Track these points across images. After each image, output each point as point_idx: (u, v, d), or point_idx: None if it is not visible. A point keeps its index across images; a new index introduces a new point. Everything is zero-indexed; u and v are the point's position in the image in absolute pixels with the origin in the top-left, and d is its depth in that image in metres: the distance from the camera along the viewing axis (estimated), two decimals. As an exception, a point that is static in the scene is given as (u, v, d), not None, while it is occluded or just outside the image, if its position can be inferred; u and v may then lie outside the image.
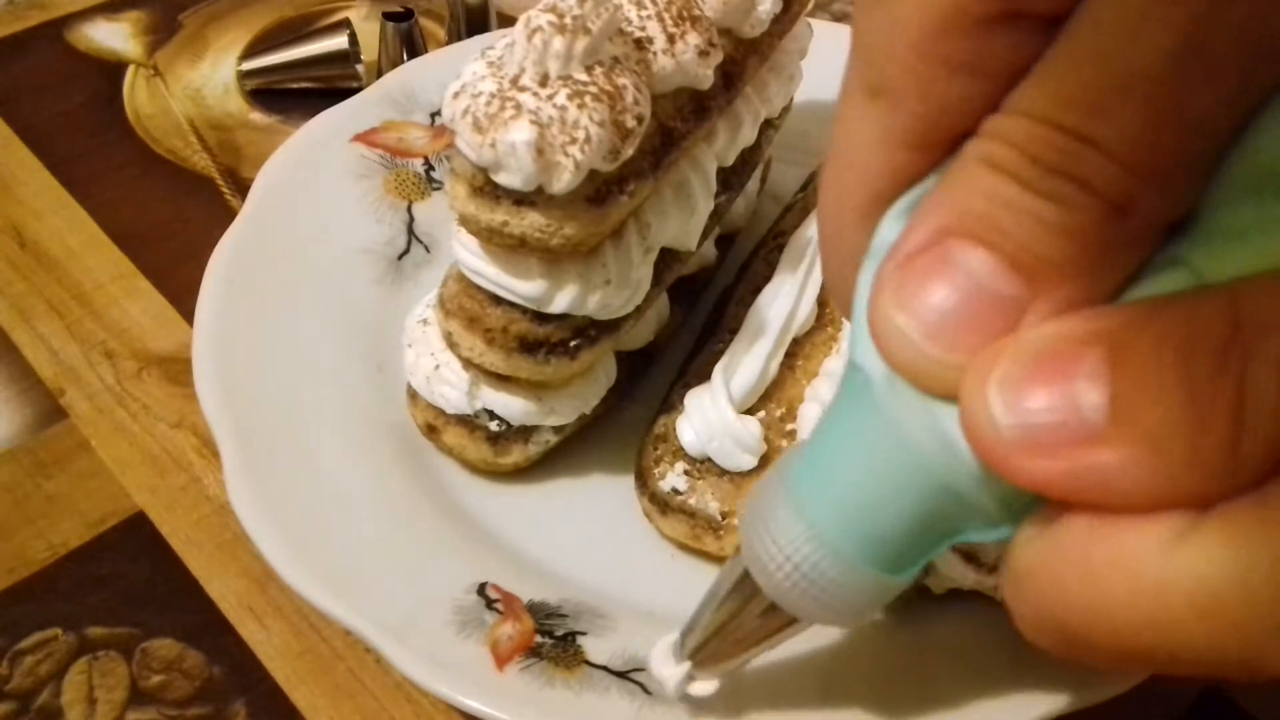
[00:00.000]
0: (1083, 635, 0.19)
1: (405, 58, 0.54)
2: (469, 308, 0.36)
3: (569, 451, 0.40)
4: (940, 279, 0.19)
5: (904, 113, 0.20)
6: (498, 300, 0.35)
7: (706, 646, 0.29)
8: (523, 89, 0.31)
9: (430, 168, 0.48)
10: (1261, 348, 0.17)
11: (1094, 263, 0.19)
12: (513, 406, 0.37)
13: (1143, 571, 0.18)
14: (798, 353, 0.39)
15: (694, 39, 0.35)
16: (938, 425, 0.20)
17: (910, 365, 0.20)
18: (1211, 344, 0.17)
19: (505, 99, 0.31)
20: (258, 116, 0.55)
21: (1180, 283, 0.19)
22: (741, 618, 0.28)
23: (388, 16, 0.54)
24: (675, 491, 0.37)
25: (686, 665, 0.30)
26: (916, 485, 0.21)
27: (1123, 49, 0.17)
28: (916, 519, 0.22)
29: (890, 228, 0.22)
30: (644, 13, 0.34)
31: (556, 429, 0.39)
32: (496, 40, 0.33)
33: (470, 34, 0.56)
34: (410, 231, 0.46)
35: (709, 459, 0.37)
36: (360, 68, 0.55)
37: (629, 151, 0.32)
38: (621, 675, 0.33)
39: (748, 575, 0.26)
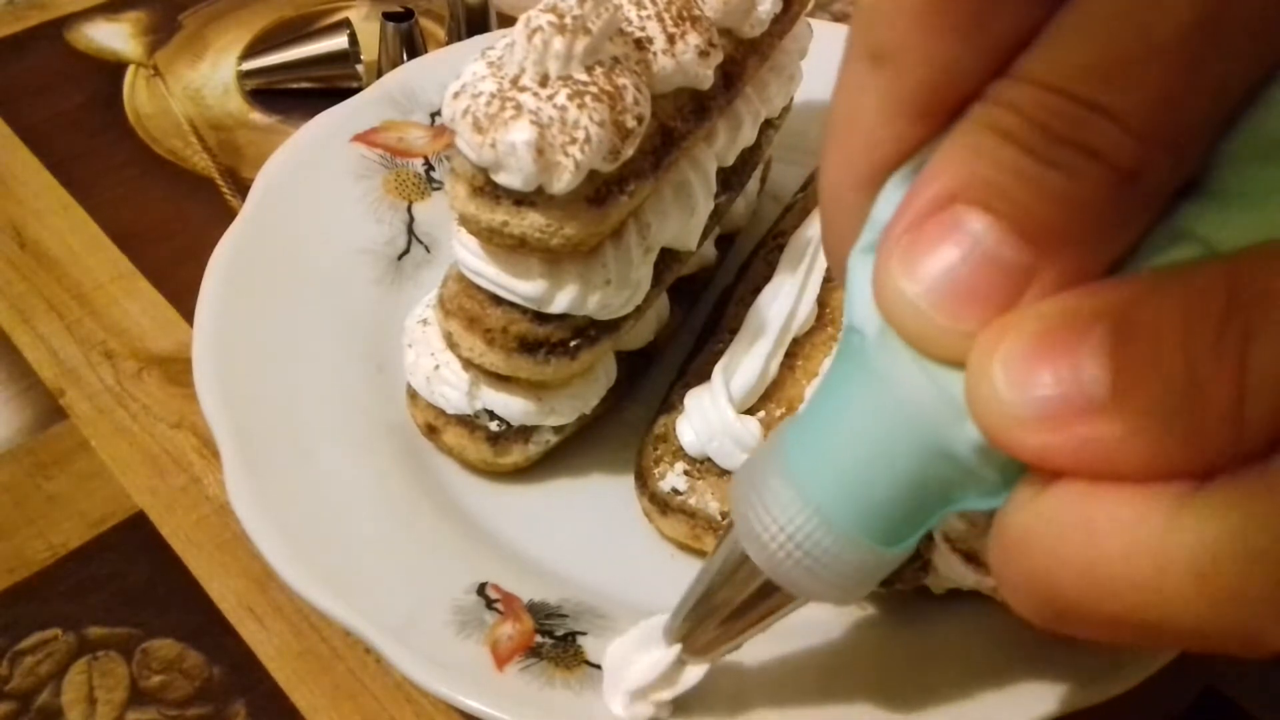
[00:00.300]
0: (1074, 599, 0.19)
1: (405, 58, 0.54)
2: (469, 308, 0.36)
3: (569, 451, 0.40)
4: (947, 245, 0.19)
5: (907, 78, 0.20)
6: (498, 300, 0.35)
7: (698, 628, 0.29)
8: (523, 89, 0.31)
9: (430, 168, 0.48)
10: (1262, 317, 0.17)
11: (1101, 230, 0.19)
12: (513, 406, 0.37)
13: (1143, 533, 0.18)
14: (798, 353, 0.39)
15: (694, 39, 0.35)
16: (942, 389, 0.20)
17: (916, 332, 0.20)
18: (1211, 314, 0.17)
19: (505, 99, 0.31)
20: (258, 116, 0.55)
21: (1190, 254, 0.19)
22: (734, 596, 0.27)
23: (388, 16, 0.54)
24: (675, 491, 0.37)
25: (676, 649, 0.30)
26: (912, 448, 0.21)
27: (1139, 20, 0.17)
28: (911, 484, 0.22)
29: (891, 196, 0.21)
30: (644, 13, 0.34)
31: (556, 429, 0.39)
32: (496, 40, 0.33)
33: (470, 34, 0.56)
34: (410, 231, 0.46)
35: (709, 459, 0.37)
36: (360, 68, 0.56)
37: (629, 151, 0.32)
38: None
39: (741, 551, 0.26)
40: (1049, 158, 0.18)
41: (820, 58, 0.42)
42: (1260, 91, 0.18)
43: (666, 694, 0.31)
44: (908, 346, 0.20)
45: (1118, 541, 0.18)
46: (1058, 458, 0.19)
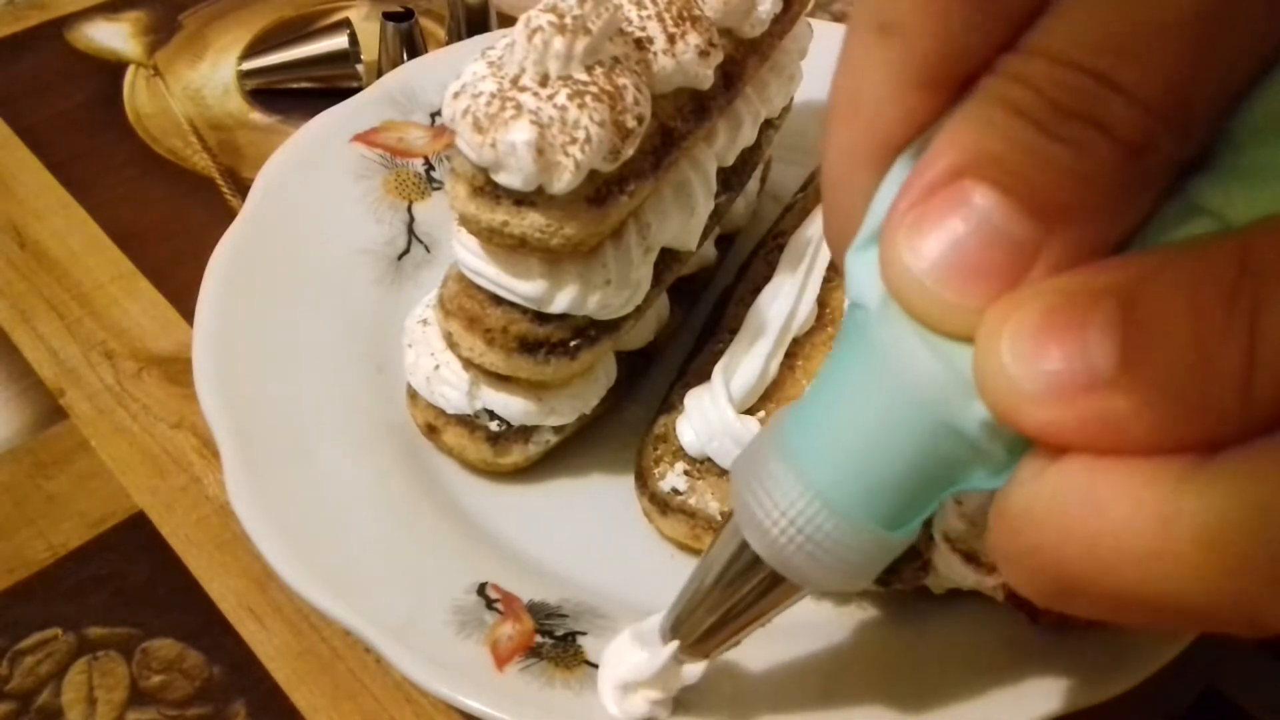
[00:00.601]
0: (1077, 573, 0.19)
1: (405, 58, 0.54)
2: (469, 308, 0.36)
3: (569, 451, 0.40)
4: (954, 220, 0.19)
5: (915, 49, 0.20)
6: (498, 300, 0.35)
7: (696, 625, 0.28)
8: (523, 89, 0.31)
9: (430, 168, 0.48)
10: (1273, 288, 0.17)
11: (1110, 205, 0.19)
12: (513, 406, 0.37)
13: (1149, 504, 0.18)
14: (798, 353, 0.39)
15: (694, 39, 0.35)
16: (948, 364, 0.20)
17: (922, 307, 0.20)
18: (1220, 287, 0.17)
19: (505, 99, 0.31)
20: (258, 116, 0.55)
21: (1204, 229, 0.18)
22: (734, 589, 0.27)
23: (388, 16, 0.54)
24: (675, 491, 0.37)
25: (674, 646, 0.29)
26: (916, 424, 0.21)
27: None
28: (916, 462, 0.21)
29: (892, 186, 0.21)
30: (644, 13, 0.34)
31: (556, 429, 0.39)
32: (496, 40, 0.33)
33: (470, 34, 0.56)
34: (410, 231, 0.46)
35: (709, 459, 0.37)
36: (360, 68, 0.56)
37: (629, 151, 0.32)
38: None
39: (742, 541, 0.25)
40: (1060, 133, 0.18)
41: (820, 58, 0.42)
42: (1272, 67, 0.18)
43: (663, 694, 0.31)
44: (912, 321, 0.20)
45: (1123, 513, 0.18)
46: (1065, 433, 0.18)
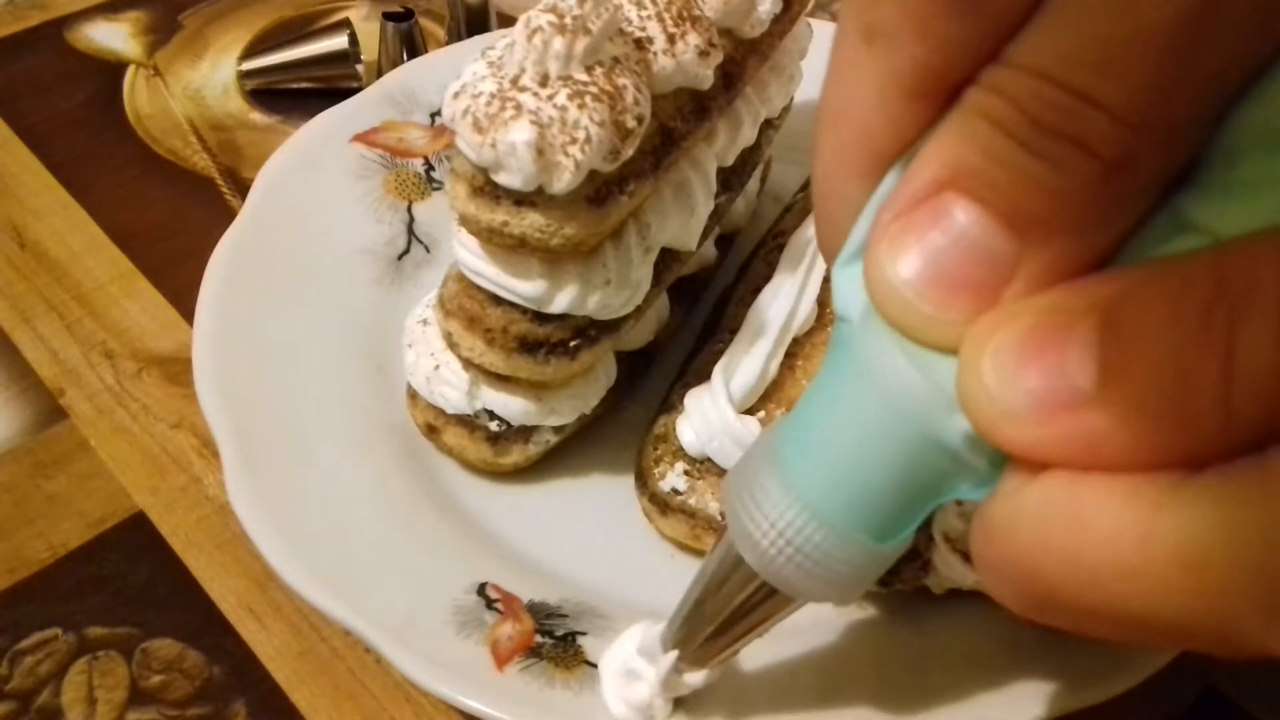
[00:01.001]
0: (1056, 586, 0.19)
1: (405, 58, 0.54)
2: (469, 308, 0.36)
3: (569, 451, 0.40)
4: (935, 233, 0.19)
5: (901, 56, 0.20)
6: (498, 300, 0.35)
7: (695, 635, 0.29)
8: (523, 89, 0.31)
9: (430, 168, 0.48)
10: (1250, 304, 0.17)
11: (1090, 220, 0.19)
12: (513, 406, 0.37)
13: (1129, 520, 0.17)
14: (798, 353, 0.39)
15: (694, 39, 0.35)
16: (929, 377, 0.20)
17: (903, 320, 0.20)
18: (1197, 302, 0.17)
19: (505, 99, 0.31)
20: (258, 116, 0.55)
21: (1193, 245, 0.18)
22: (730, 600, 0.27)
23: (388, 16, 0.54)
24: (675, 491, 0.37)
25: (673, 656, 0.29)
26: (900, 437, 0.21)
27: (1135, 5, 0.17)
28: (901, 475, 0.21)
29: (885, 193, 0.21)
30: (644, 13, 0.34)
31: (556, 429, 0.39)
32: (496, 40, 0.33)
33: (470, 34, 0.56)
34: (410, 231, 0.46)
35: (709, 459, 0.37)
36: (360, 68, 0.56)
37: (629, 152, 0.32)
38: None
39: (736, 553, 0.25)
40: (1039, 150, 0.18)
41: (820, 58, 0.42)
42: (1260, 78, 0.18)
43: (663, 701, 0.31)
44: (894, 333, 0.20)
45: (1103, 529, 0.18)
46: (1046, 450, 0.18)
